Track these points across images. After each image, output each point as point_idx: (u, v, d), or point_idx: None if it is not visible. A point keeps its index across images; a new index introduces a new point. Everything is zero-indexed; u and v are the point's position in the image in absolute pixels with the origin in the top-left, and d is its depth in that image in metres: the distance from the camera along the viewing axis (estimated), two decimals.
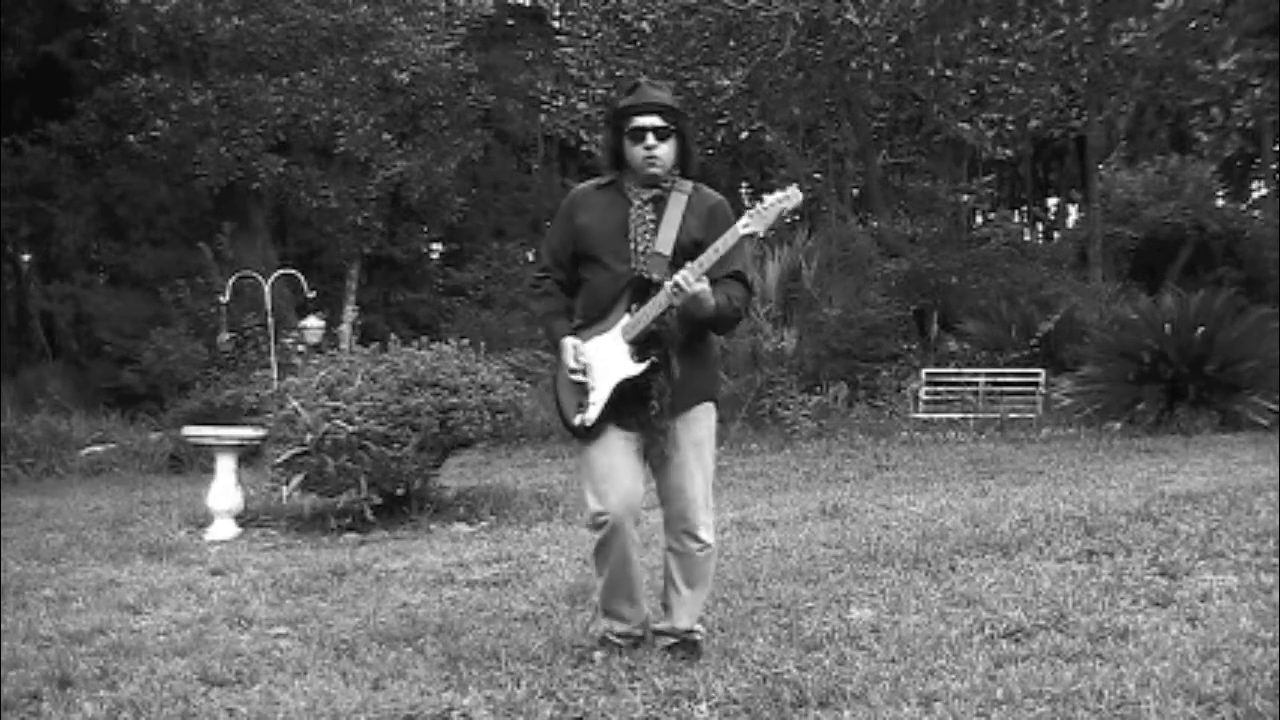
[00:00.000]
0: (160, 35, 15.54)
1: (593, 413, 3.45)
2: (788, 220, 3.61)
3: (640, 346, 3.40)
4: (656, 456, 3.51)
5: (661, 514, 3.61)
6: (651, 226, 3.43)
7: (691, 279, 3.27)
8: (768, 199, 3.40)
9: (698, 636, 3.62)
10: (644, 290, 3.39)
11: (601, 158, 3.63)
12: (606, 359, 3.43)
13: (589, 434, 3.48)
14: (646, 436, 3.48)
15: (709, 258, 3.31)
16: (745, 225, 3.36)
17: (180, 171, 16.71)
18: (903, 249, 17.41)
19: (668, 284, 3.30)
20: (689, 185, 3.49)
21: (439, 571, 5.30)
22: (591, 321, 3.50)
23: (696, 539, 3.53)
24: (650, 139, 3.41)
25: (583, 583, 4.66)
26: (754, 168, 22.13)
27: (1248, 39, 14.36)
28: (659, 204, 3.45)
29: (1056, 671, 3.18)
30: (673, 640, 3.58)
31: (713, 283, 3.35)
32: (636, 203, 3.46)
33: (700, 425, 3.53)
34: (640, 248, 3.43)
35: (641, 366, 3.40)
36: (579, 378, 3.46)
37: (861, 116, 16.63)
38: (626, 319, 3.42)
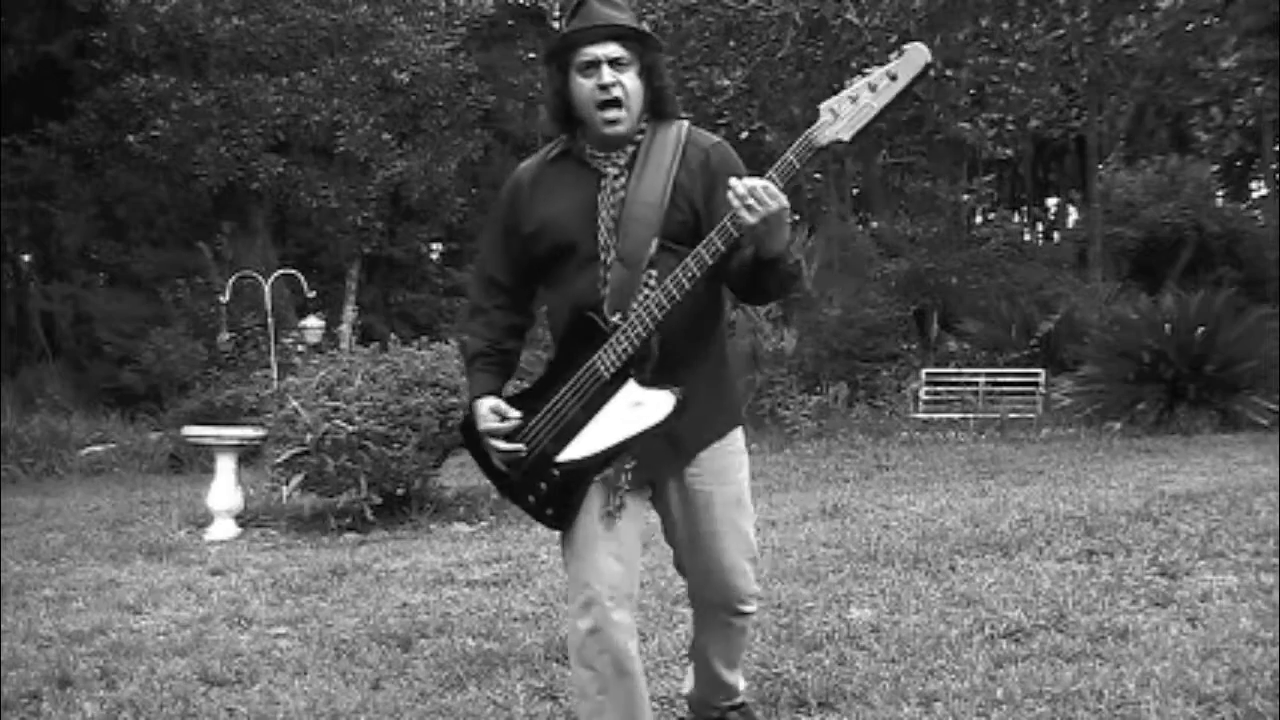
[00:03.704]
0: (160, 35, 15.56)
1: (574, 451, 2.41)
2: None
3: (635, 369, 2.35)
4: (675, 524, 2.57)
5: (685, 581, 2.76)
6: (621, 196, 2.38)
7: (772, 187, 2.17)
8: (856, 85, 2.20)
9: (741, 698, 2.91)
10: (589, 330, 2.37)
11: (545, 114, 2.53)
12: (607, 413, 2.38)
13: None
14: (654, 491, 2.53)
15: (784, 167, 2.21)
16: (833, 124, 2.21)
17: (180, 171, 16.73)
18: (903, 249, 17.43)
19: (732, 196, 2.17)
20: (674, 125, 2.45)
21: (439, 571, 5.30)
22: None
23: (741, 613, 2.65)
24: (605, 73, 2.34)
25: None
26: (754, 168, 22.13)
27: (1248, 38, 14.38)
28: (634, 166, 2.41)
29: (1056, 671, 3.18)
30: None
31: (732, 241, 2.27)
32: (612, 172, 2.41)
33: (734, 479, 2.56)
34: (606, 237, 2.38)
35: (669, 401, 2.33)
36: (504, 448, 2.45)
37: None
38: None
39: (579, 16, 2.40)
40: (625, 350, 2.33)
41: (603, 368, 2.35)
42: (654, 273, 2.34)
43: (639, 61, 2.39)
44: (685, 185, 2.40)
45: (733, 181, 2.19)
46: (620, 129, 2.38)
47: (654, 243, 2.36)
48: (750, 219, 2.17)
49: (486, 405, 2.48)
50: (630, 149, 2.42)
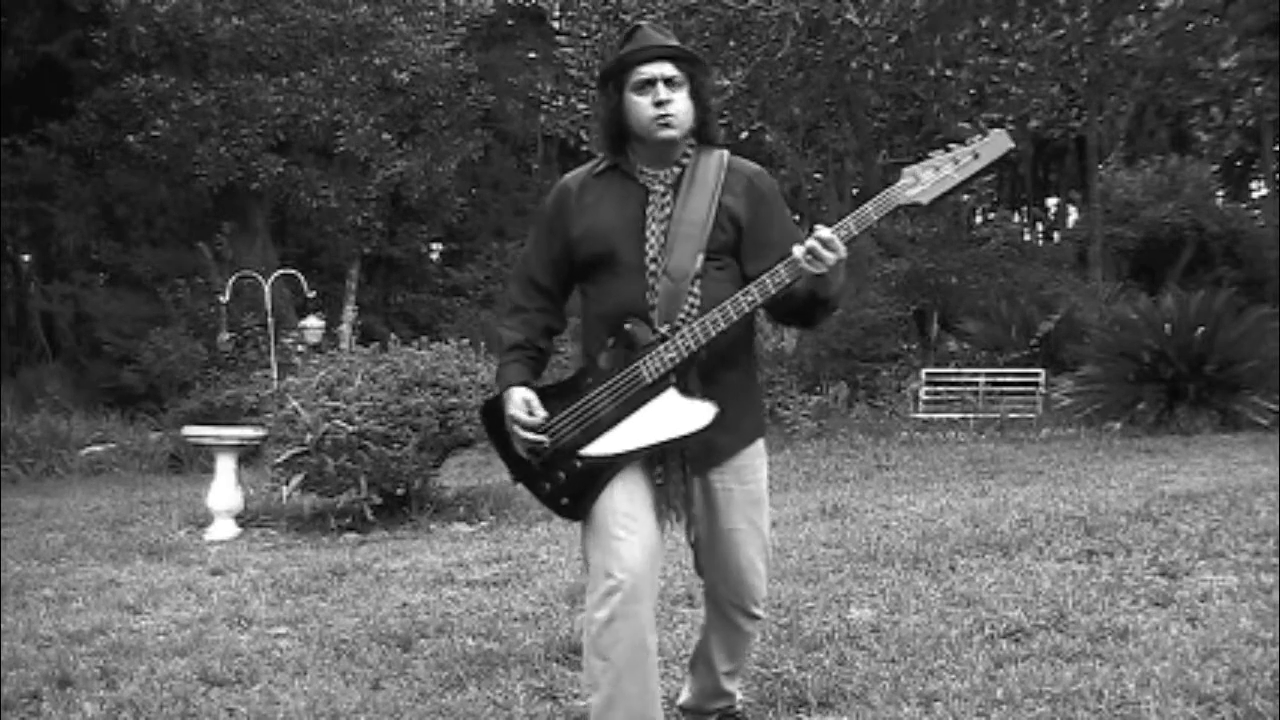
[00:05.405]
0: (160, 35, 15.56)
1: (602, 446, 2.50)
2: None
3: (677, 378, 2.46)
4: (697, 521, 2.65)
5: (702, 583, 2.83)
6: (668, 213, 2.52)
7: (838, 242, 2.37)
8: (940, 157, 2.43)
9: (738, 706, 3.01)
10: (634, 337, 2.49)
11: (597, 136, 2.77)
12: (642, 415, 2.49)
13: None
14: (673, 489, 2.58)
15: (860, 218, 2.40)
16: (914, 187, 2.41)
17: (180, 171, 16.73)
18: (903, 249, 17.42)
19: (798, 250, 2.37)
20: (715, 152, 2.60)
21: (439, 571, 5.30)
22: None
23: (751, 615, 2.74)
24: (661, 90, 2.49)
25: (582, 583, 4.65)
26: None
27: (1248, 38, 14.39)
28: (680, 186, 2.56)
29: (1056, 671, 3.18)
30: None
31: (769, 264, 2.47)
32: (659, 189, 2.55)
33: (755, 479, 2.66)
34: (656, 250, 2.50)
35: (707, 414, 2.44)
36: (530, 437, 2.52)
37: (861, 116, 16.63)
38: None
39: (633, 41, 2.58)
40: (672, 359, 2.45)
41: (646, 372, 2.47)
42: (699, 285, 2.49)
43: (689, 82, 2.55)
44: (729, 206, 2.54)
45: (813, 240, 2.37)
46: (672, 134, 2.51)
47: (700, 258, 2.50)
48: (814, 270, 2.37)
49: (519, 394, 2.56)
50: (677, 170, 2.56)
